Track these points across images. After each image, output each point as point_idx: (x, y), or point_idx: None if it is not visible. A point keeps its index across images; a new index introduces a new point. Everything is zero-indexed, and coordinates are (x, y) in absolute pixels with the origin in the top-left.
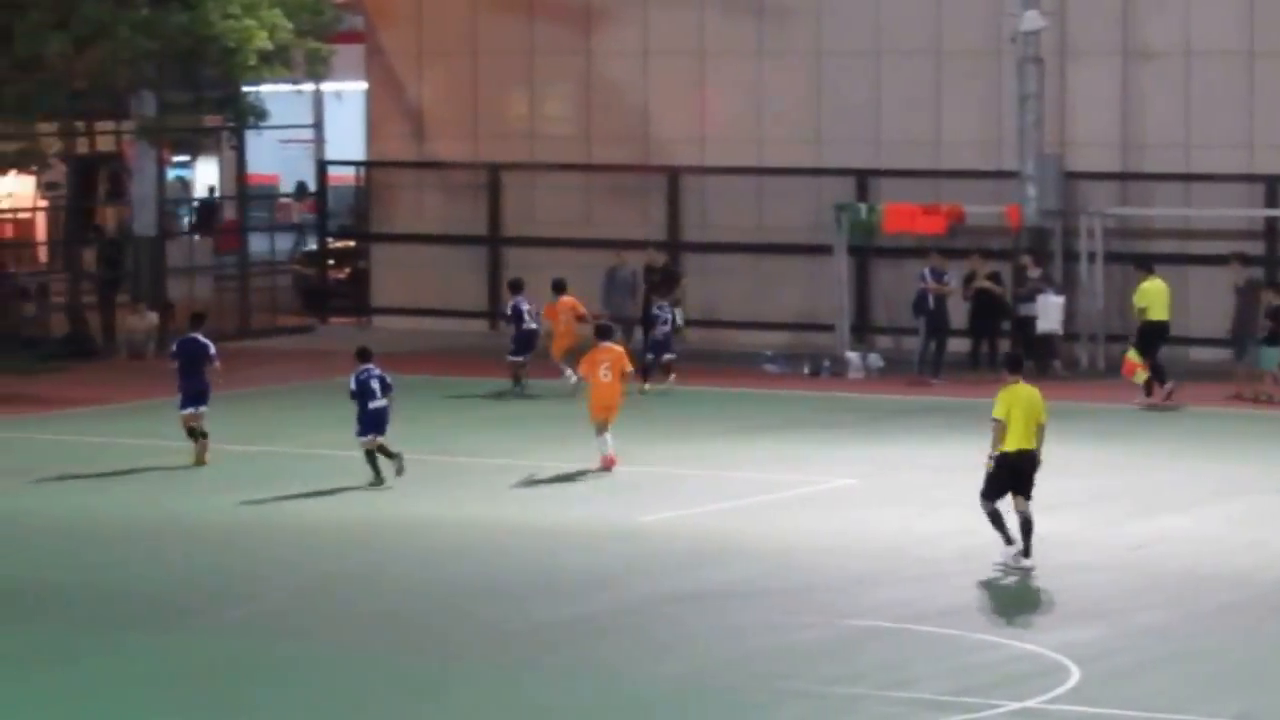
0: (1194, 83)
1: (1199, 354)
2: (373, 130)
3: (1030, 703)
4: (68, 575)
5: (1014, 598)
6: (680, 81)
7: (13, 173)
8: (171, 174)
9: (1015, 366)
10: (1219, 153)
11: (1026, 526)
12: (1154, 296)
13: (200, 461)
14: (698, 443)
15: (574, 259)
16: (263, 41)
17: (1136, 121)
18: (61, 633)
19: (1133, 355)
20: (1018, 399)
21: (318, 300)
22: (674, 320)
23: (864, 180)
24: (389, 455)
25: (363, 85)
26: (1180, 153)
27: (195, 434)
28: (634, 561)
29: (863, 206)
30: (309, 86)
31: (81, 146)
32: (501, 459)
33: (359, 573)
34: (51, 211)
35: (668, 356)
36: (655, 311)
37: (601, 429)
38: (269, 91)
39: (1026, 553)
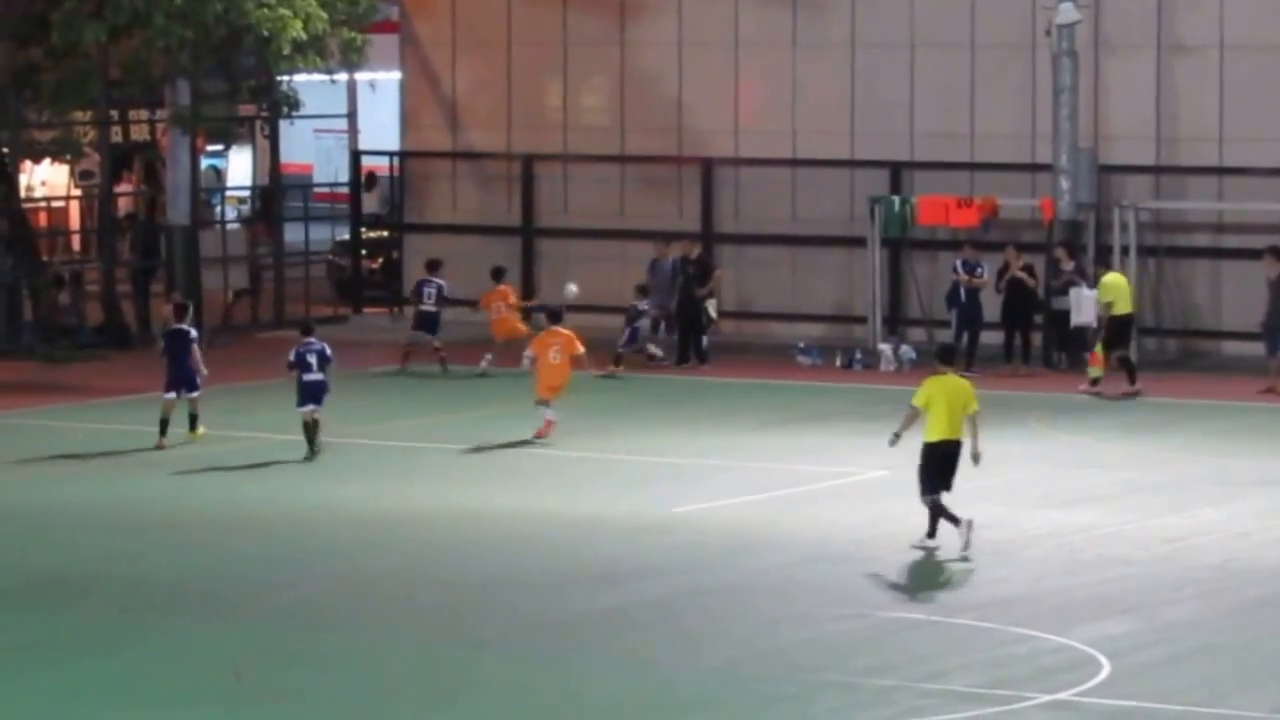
0: (1228, 77)
1: (1232, 348)
2: (407, 120)
3: (1062, 695)
4: (108, 564)
5: (1046, 591)
6: (715, 73)
7: (47, 161)
8: (205, 163)
9: (946, 357)
10: (1253, 146)
11: (936, 511)
12: (1116, 291)
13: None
14: (730, 434)
15: (607, 250)
16: (298, 31)
17: (1170, 115)
18: (103, 620)
19: (1099, 350)
20: (943, 389)
21: (351, 290)
22: (662, 316)
23: (898, 172)
24: (312, 437)
25: (397, 75)
26: (1214, 146)
27: (166, 425)
28: (667, 553)
29: (897, 199)
30: (343, 76)
31: (116, 136)
32: (536, 448)
33: (398, 563)
34: (86, 200)
35: (635, 348)
36: (637, 307)
37: (543, 404)
38: (303, 81)
39: (931, 534)
